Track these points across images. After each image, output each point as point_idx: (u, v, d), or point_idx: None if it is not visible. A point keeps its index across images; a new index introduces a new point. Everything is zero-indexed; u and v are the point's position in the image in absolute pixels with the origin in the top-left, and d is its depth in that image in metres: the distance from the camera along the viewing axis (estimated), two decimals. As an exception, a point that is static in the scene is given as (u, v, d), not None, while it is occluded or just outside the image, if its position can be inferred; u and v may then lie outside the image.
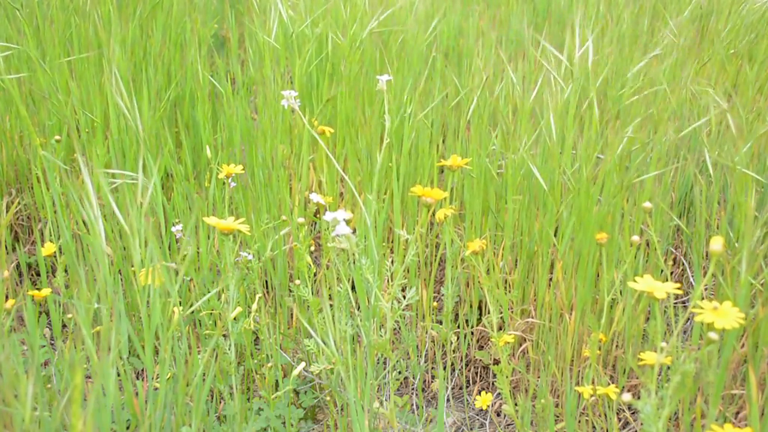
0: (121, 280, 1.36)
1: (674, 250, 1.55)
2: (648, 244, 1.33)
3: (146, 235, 0.77)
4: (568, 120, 1.27)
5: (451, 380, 1.41)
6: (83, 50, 1.65)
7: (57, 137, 1.40)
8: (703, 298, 1.22)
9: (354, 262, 0.93)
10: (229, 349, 1.03)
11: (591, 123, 1.22)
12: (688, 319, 1.31)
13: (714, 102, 1.18)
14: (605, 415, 1.10)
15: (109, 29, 1.62)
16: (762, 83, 1.72)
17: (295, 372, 1.08)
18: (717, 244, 0.71)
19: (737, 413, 1.12)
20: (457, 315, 1.46)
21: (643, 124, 1.33)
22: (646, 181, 1.25)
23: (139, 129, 1.07)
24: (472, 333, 1.45)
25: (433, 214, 1.10)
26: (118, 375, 1.02)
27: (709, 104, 1.27)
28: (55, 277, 1.17)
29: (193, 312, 1.31)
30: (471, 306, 1.45)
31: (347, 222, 0.85)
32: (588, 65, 1.24)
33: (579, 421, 1.18)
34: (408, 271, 1.40)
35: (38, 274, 1.62)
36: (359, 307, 1.02)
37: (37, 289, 1.10)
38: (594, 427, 1.14)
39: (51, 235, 1.30)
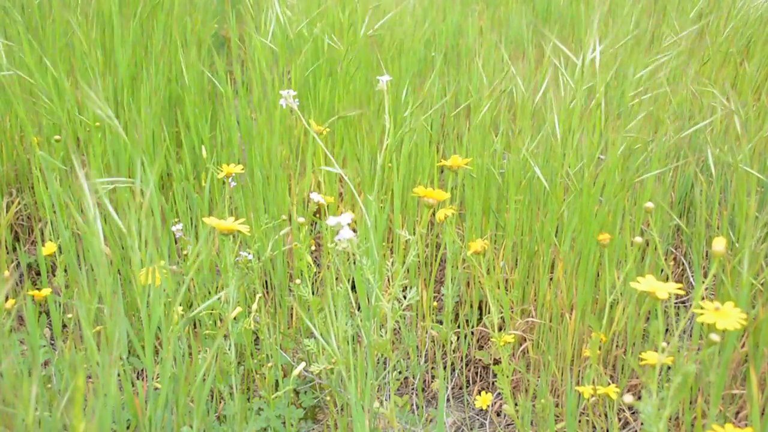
0: (121, 280, 1.36)
1: (674, 250, 1.55)
2: (648, 244, 1.33)
3: (146, 236, 0.77)
4: (573, 120, 1.27)
5: (451, 380, 1.41)
6: (84, 50, 1.65)
7: (56, 137, 1.40)
8: (703, 299, 1.22)
9: (354, 263, 0.93)
10: (229, 349, 1.03)
11: (596, 123, 1.22)
12: (689, 319, 1.31)
13: (719, 102, 1.18)
14: (606, 415, 1.10)
15: (111, 29, 1.62)
16: (761, 81, 1.72)
17: (295, 372, 1.08)
18: (719, 245, 0.71)
19: (737, 413, 1.12)
20: (457, 315, 1.46)
21: (644, 123, 1.33)
22: (647, 181, 1.25)
23: (124, 136, 1.07)
24: (473, 333, 1.45)
25: (434, 214, 1.10)
26: (118, 375, 1.02)
27: (711, 104, 1.27)
28: (55, 277, 1.17)
29: (192, 310, 1.31)
30: (471, 306, 1.45)
31: (350, 225, 0.85)
32: (596, 66, 1.24)
33: (579, 421, 1.18)
34: (408, 271, 1.40)
35: (38, 274, 1.61)
36: (359, 307, 1.02)
37: (37, 289, 1.10)
38: (594, 427, 1.14)
39: (51, 235, 1.30)
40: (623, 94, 1.31)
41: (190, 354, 1.10)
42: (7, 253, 1.53)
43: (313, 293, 1.11)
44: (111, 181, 1.09)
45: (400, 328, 1.42)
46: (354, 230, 0.88)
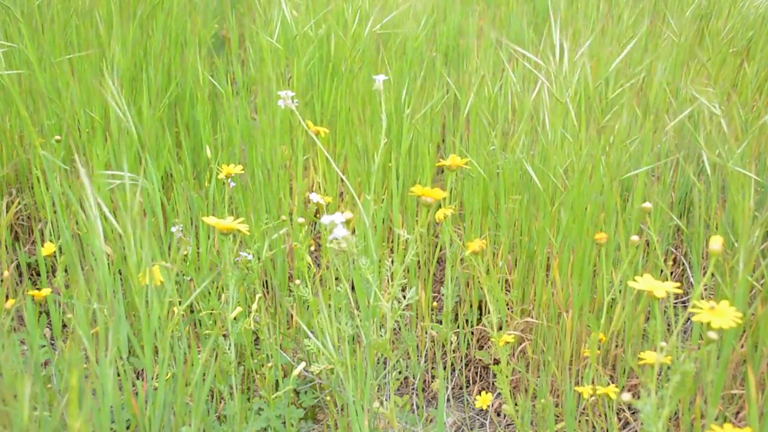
0: (121, 280, 1.37)
1: (674, 250, 1.55)
2: (648, 244, 1.33)
3: (141, 236, 0.77)
4: (564, 119, 1.27)
5: (451, 380, 1.41)
6: (84, 50, 1.65)
7: (57, 137, 1.40)
8: (702, 298, 1.22)
9: (353, 263, 0.93)
10: (229, 349, 1.03)
11: (578, 120, 1.22)
12: (688, 318, 1.31)
13: (709, 105, 1.18)
14: (605, 414, 1.10)
15: (110, 29, 1.62)
16: (761, 82, 1.72)
17: (295, 372, 1.08)
18: (716, 243, 0.71)
19: (737, 413, 1.12)
20: (457, 315, 1.46)
21: (637, 121, 1.33)
22: (639, 177, 1.25)
23: (133, 131, 1.07)
24: (472, 333, 1.45)
25: (433, 214, 1.10)
26: (118, 375, 1.03)
27: (705, 105, 1.27)
28: (55, 277, 1.17)
29: (192, 312, 1.31)
30: (471, 306, 1.45)
31: (346, 223, 0.85)
32: (582, 66, 1.24)
33: (579, 421, 1.18)
34: (408, 271, 1.40)
35: (38, 274, 1.62)
36: (359, 307, 1.02)
37: (37, 289, 1.10)
38: (594, 427, 1.14)
39: (51, 235, 1.30)
40: (616, 92, 1.31)
41: (190, 353, 1.11)
42: (7, 253, 1.53)
43: (313, 293, 1.11)
44: (114, 179, 1.10)
45: (399, 328, 1.42)
46: (353, 230, 0.88)
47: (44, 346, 1.24)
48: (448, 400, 1.38)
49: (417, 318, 1.41)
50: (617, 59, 1.32)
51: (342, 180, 1.71)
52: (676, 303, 1.46)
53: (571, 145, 1.27)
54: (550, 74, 1.25)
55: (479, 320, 1.46)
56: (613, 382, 1.27)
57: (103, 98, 1.56)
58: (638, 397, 0.79)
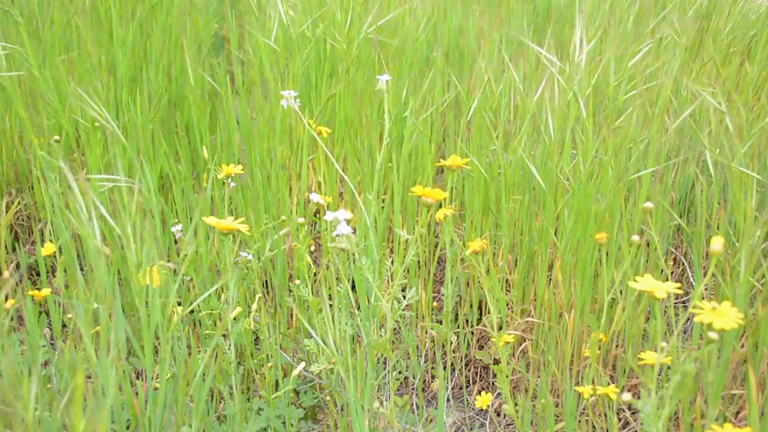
0: (120, 280, 1.36)
1: (674, 250, 1.55)
2: (648, 244, 1.33)
3: (143, 236, 0.77)
4: (569, 119, 1.27)
5: (451, 380, 1.41)
6: (83, 51, 1.65)
7: (56, 137, 1.40)
8: (703, 298, 1.22)
9: (354, 262, 0.93)
10: (229, 349, 1.03)
11: (588, 121, 1.22)
12: (688, 319, 1.31)
13: (713, 102, 1.18)
14: (605, 414, 1.10)
15: (110, 30, 1.62)
16: (762, 82, 1.72)
17: (295, 372, 1.08)
18: (717, 244, 0.71)
19: (737, 413, 1.12)
20: (457, 315, 1.46)
21: (644, 122, 1.33)
22: (644, 179, 1.25)
23: (121, 137, 1.07)
24: (472, 333, 1.45)
25: (434, 214, 1.10)
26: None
27: (709, 104, 1.27)
28: (55, 277, 1.17)
29: (192, 312, 1.31)
30: (471, 306, 1.45)
31: (347, 222, 0.85)
32: (588, 64, 1.24)
33: (579, 421, 1.18)
34: (408, 271, 1.40)
35: (38, 274, 1.62)
36: (359, 307, 1.02)
37: (37, 289, 1.10)
38: (594, 427, 1.13)
39: (51, 235, 1.30)
40: (616, 86, 1.30)
41: (190, 354, 1.11)
42: (7, 253, 1.53)
43: (312, 293, 1.11)
44: (109, 181, 1.09)
45: (399, 328, 1.42)
46: (354, 230, 0.88)
47: (44, 346, 1.23)
48: (448, 400, 1.38)
49: (417, 318, 1.41)
50: (632, 60, 1.32)
51: (341, 180, 1.71)
52: (676, 303, 1.45)
53: (576, 145, 1.27)
54: (562, 72, 1.25)
55: (479, 320, 1.46)
56: (613, 382, 1.27)
57: (102, 99, 1.56)
58: (638, 397, 0.79)
